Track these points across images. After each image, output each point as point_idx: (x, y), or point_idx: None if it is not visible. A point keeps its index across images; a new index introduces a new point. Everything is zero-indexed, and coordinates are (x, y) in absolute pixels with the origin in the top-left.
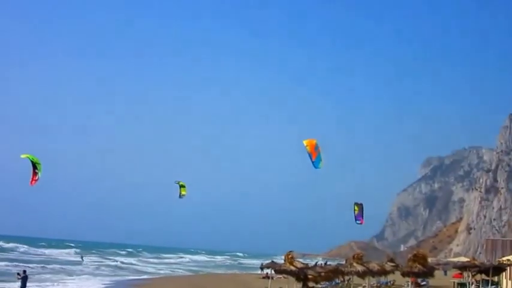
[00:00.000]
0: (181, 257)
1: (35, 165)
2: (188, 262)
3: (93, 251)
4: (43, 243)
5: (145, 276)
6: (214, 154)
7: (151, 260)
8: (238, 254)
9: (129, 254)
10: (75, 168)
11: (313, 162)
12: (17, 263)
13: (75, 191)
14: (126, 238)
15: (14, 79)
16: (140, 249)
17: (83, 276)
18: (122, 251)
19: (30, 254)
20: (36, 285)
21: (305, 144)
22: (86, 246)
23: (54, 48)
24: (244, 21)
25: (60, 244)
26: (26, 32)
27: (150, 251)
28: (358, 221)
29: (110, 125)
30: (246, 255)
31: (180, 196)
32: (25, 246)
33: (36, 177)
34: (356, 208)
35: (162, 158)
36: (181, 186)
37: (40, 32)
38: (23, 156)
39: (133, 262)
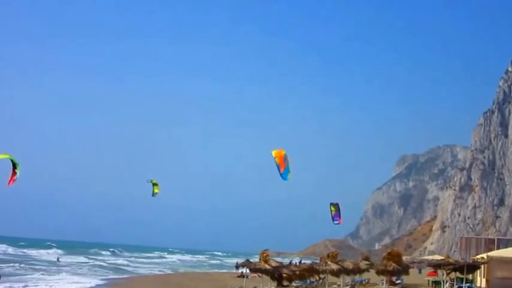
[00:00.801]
0: (162, 257)
1: (14, 165)
2: (168, 261)
3: (75, 251)
4: (22, 243)
5: (125, 275)
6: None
7: (130, 259)
8: (216, 253)
9: (109, 253)
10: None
11: (281, 174)
12: None
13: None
14: (103, 237)
15: None
16: (120, 249)
17: (62, 275)
18: (104, 250)
19: (9, 253)
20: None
21: (273, 155)
22: (67, 246)
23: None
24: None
25: (40, 244)
26: None
27: (130, 251)
28: (335, 221)
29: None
30: (225, 254)
31: (153, 194)
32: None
33: (15, 177)
34: (332, 209)
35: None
36: (154, 184)
37: None
38: (1, 156)
39: (113, 261)
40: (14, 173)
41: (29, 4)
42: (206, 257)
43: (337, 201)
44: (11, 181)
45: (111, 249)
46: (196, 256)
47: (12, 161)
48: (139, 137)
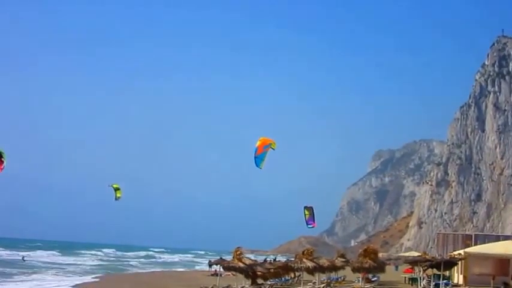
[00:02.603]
0: (138, 255)
1: (0, 154)
2: (141, 259)
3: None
4: None
5: (95, 275)
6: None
7: (105, 257)
8: (192, 252)
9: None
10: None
11: (255, 157)
12: None
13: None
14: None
15: None
16: (54, 245)
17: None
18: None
19: None
20: None
21: (258, 139)
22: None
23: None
24: None
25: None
26: None
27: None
28: (309, 225)
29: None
30: (197, 253)
31: (116, 198)
32: None
33: (2, 166)
34: (307, 212)
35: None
36: (116, 189)
37: None
38: None
39: (80, 262)
40: (1, 162)
41: None
42: (188, 256)
43: (312, 196)
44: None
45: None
46: (176, 255)
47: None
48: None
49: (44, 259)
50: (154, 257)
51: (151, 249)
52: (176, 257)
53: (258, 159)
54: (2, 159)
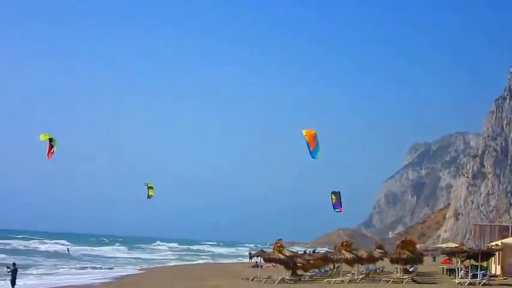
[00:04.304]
0: (174, 247)
1: (51, 141)
2: (189, 252)
3: (81, 243)
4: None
5: (136, 267)
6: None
7: (140, 250)
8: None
9: (114, 244)
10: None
11: (310, 152)
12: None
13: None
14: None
15: None
16: (120, 239)
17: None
18: (113, 241)
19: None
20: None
21: (304, 134)
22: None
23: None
24: None
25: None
26: None
27: (136, 242)
28: (337, 209)
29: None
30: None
31: (148, 197)
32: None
33: (52, 150)
34: (333, 197)
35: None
36: (150, 187)
37: None
38: (42, 138)
39: (119, 254)
40: (51, 146)
41: None
42: (239, 249)
43: (350, 190)
44: (49, 153)
45: (119, 240)
46: (225, 248)
47: (50, 138)
48: None
49: (95, 253)
50: (203, 250)
51: (205, 242)
52: (225, 250)
53: (314, 152)
54: (52, 143)
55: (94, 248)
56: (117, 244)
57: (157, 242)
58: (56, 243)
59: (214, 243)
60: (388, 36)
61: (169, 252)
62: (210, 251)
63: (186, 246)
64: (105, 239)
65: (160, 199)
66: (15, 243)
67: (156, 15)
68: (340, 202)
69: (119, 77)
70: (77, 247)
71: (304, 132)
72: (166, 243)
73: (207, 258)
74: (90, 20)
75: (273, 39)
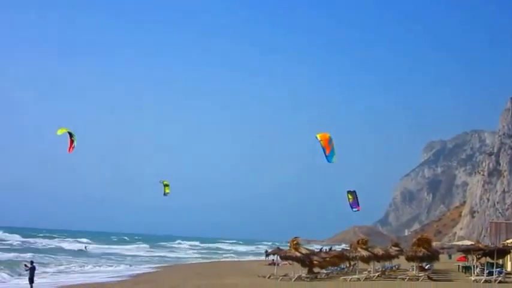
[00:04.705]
0: (196, 245)
1: (71, 135)
2: (208, 250)
3: (102, 241)
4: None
5: (154, 265)
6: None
7: (159, 248)
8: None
9: (135, 243)
10: None
11: (326, 156)
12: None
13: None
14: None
15: None
16: (139, 238)
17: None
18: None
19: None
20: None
21: (319, 139)
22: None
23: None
24: None
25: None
26: None
27: (158, 240)
28: (354, 209)
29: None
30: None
31: (165, 194)
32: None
33: (73, 145)
34: (350, 197)
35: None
36: (165, 185)
37: None
38: (60, 132)
39: (140, 252)
40: (72, 141)
41: None
42: (259, 247)
43: (366, 188)
44: (71, 148)
45: (136, 238)
46: (244, 246)
47: (69, 133)
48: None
49: (115, 251)
50: (223, 249)
51: (224, 241)
52: (244, 248)
53: (330, 156)
54: (73, 138)
55: (114, 246)
56: (138, 242)
57: (178, 241)
58: (76, 241)
59: (234, 241)
60: (404, 31)
61: (191, 251)
62: (231, 249)
63: (207, 245)
64: (126, 237)
65: (180, 198)
66: (37, 241)
67: (156, 14)
68: (357, 201)
69: (119, 77)
70: (96, 245)
71: (318, 136)
72: (187, 242)
73: (232, 256)
74: (89, 17)
75: (274, 38)
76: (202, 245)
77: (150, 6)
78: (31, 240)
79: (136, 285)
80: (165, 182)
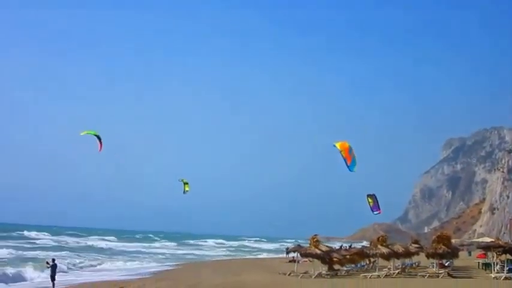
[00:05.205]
0: (220, 243)
1: (98, 136)
2: (231, 247)
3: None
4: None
5: (175, 262)
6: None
7: (185, 246)
8: (259, 239)
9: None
10: None
11: (348, 166)
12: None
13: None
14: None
15: None
16: (164, 235)
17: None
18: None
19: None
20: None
21: (338, 148)
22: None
23: None
24: None
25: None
26: None
27: (181, 238)
28: (375, 212)
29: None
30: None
31: (184, 192)
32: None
33: (101, 146)
34: (370, 200)
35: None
36: (185, 183)
37: None
38: (82, 133)
39: (163, 250)
40: (100, 143)
41: None
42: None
43: (386, 185)
44: (101, 148)
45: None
46: (267, 244)
47: (95, 135)
48: None
49: (141, 249)
50: (247, 246)
51: (248, 238)
52: (269, 246)
53: (352, 166)
54: (99, 139)
55: (141, 244)
56: (164, 240)
57: (205, 239)
58: (102, 239)
59: (257, 238)
60: (428, 25)
61: (218, 249)
62: (256, 247)
63: (232, 242)
64: (151, 235)
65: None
66: (68, 240)
67: (158, 7)
68: (378, 204)
69: (121, 77)
70: (120, 243)
71: (338, 146)
72: (214, 240)
73: (261, 254)
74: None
75: (274, 38)
76: (228, 242)
77: None
78: (60, 238)
79: (158, 282)
80: (184, 180)
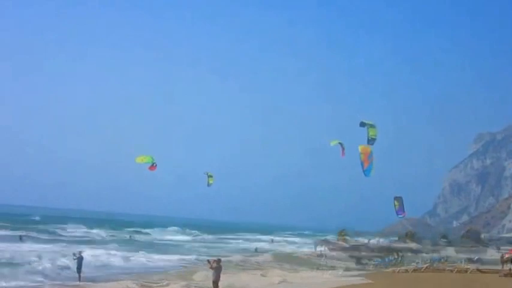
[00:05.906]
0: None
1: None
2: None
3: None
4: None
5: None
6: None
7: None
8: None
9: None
10: None
11: (364, 170)
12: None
13: None
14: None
15: None
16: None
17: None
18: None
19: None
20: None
21: (360, 151)
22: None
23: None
24: None
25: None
26: None
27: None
28: (400, 215)
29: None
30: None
31: (208, 185)
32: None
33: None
34: (396, 203)
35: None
36: (210, 176)
37: None
38: (138, 160)
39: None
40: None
41: None
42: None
43: (415, 180)
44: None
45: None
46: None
47: (148, 162)
48: None
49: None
50: (289, 241)
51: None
52: (297, 239)
53: (367, 171)
54: (154, 163)
55: (172, 237)
56: (197, 232)
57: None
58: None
59: (290, 232)
60: (457, 26)
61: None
62: (293, 241)
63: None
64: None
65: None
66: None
67: None
68: (403, 207)
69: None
70: (154, 236)
71: (360, 148)
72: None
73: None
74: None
75: (281, 31)
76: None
77: None
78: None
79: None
80: (209, 174)
